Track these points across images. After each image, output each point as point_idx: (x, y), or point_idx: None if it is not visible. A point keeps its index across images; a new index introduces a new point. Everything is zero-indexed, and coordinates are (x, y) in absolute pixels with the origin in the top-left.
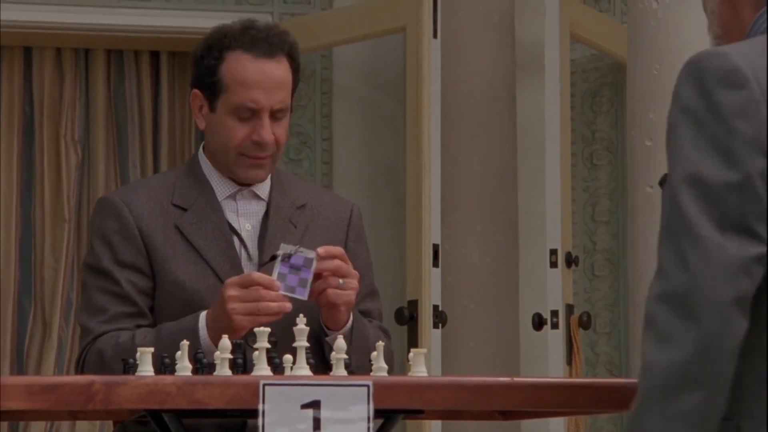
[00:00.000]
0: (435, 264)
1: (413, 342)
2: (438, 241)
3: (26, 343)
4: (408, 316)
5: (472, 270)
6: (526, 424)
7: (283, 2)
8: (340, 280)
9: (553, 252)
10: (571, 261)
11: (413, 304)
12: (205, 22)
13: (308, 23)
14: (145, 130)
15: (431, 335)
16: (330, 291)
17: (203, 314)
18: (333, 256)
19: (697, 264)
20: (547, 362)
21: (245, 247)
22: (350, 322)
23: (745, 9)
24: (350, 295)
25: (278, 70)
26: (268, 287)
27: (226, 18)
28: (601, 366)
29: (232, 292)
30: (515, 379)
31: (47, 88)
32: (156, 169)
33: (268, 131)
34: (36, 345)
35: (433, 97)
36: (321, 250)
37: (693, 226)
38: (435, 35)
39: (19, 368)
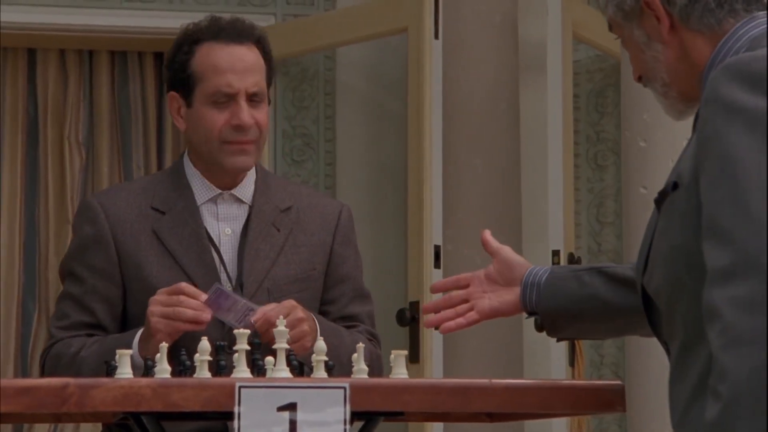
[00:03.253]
0: (437, 265)
1: (415, 343)
2: (440, 242)
3: (30, 345)
4: (409, 318)
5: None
6: (529, 425)
7: (286, 3)
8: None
9: (556, 253)
10: (573, 262)
11: (415, 306)
12: None
13: (311, 24)
14: (149, 132)
15: (433, 336)
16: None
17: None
18: (269, 323)
19: None
20: (549, 364)
21: (222, 252)
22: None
23: (695, 46)
24: (298, 347)
25: (249, 54)
26: (193, 296)
27: None
28: (606, 368)
29: (157, 297)
30: (493, 381)
31: (51, 89)
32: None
33: (247, 114)
34: (40, 347)
35: (434, 97)
36: (257, 317)
37: (764, 226)
38: (436, 36)
39: (23, 370)
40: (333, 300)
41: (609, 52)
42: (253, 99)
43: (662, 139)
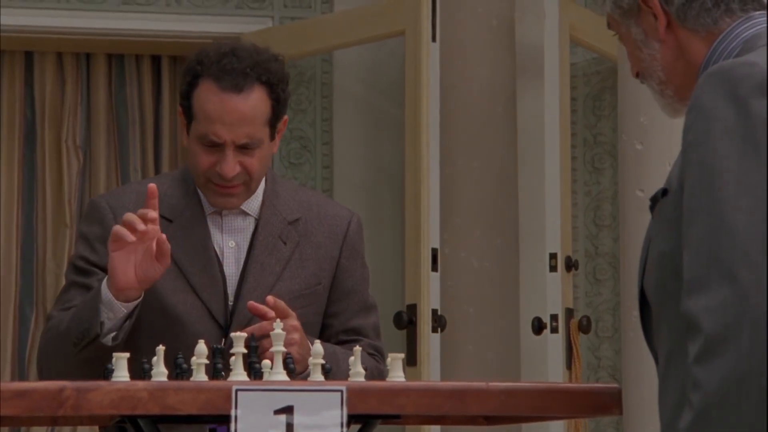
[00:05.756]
0: (434, 268)
1: (412, 346)
2: (437, 245)
3: (28, 348)
4: (407, 321)
5: (471, 274)
6: (527, 428)
7: (283, 6)
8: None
9: (553, 256)
10: (570, 265)
11: (412, 309)
12: (206, 26)
13: (308, 27)
14: (146, 135)
15: (430, 340)
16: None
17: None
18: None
19: (747, 277)
20: (546, 366)
21: (225, 265)
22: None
23: (691, 45)
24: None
25: (245, 104)
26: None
27: (227, 22)
28: (603, 370)
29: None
30: (490, 384)
31: (48, 92)
32: (157, 174)
33: (230, 166)
34: (37, 350)
35: (431, 100)
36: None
37: (739, 239)
38: (434, 39)
39: (20, 374)
40: (336, 313)
41: (606, 55)
42: (244, 147)
43: (659, 142)
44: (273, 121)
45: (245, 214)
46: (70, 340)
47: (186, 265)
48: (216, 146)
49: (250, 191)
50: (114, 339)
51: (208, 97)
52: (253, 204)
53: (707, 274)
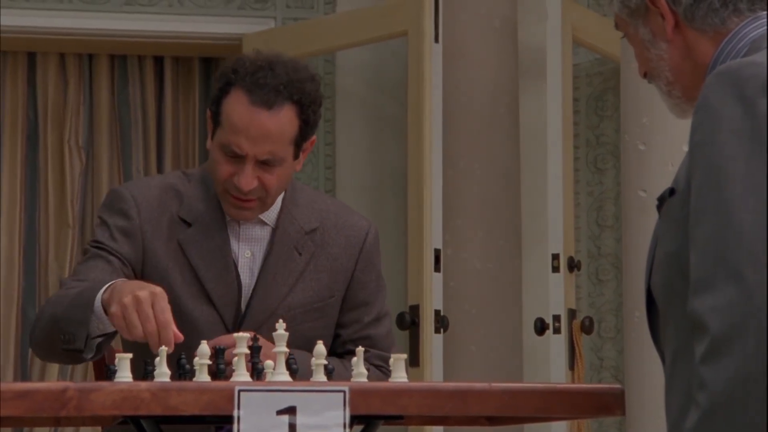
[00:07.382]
0: (437, 269)
1: (415, 347)
2: (440, 246)
3: (30, 350)
4: (410, 321)
5: (473, 275)
6: (529, 428)
7: (286, 7)
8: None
9: (555, 257)
10: (573, 266)
11: (415, 309)
12: (209, 27)
13: (311, 28)
14: (148, 135)
15: (433, 340)
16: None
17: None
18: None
19: (753, 277)
20: (549, 367)
21: (240, 275)
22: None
23: (699, 45)
24: None
25: (272, 121)
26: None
27: (230, 23)
28: (605, 371)
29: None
30: (492, 384)
31: (51, 93)
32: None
33: (248, 179)
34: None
35: (434, 101)
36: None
37: (746, 238)
38: (436, 39)
39: (23, 376)
40: (346, 324)
41: (608, 56)
42: (265, 163)
43: (661, 143)
44: (299, 141)
45: (263, 223)
46: (58, 334)
47: (202, 270)
48: (237, 157)
49: (265, 206)
50: (98, 348)
51: (237, 108)
52: (271, 213)
53: (714, 274)
